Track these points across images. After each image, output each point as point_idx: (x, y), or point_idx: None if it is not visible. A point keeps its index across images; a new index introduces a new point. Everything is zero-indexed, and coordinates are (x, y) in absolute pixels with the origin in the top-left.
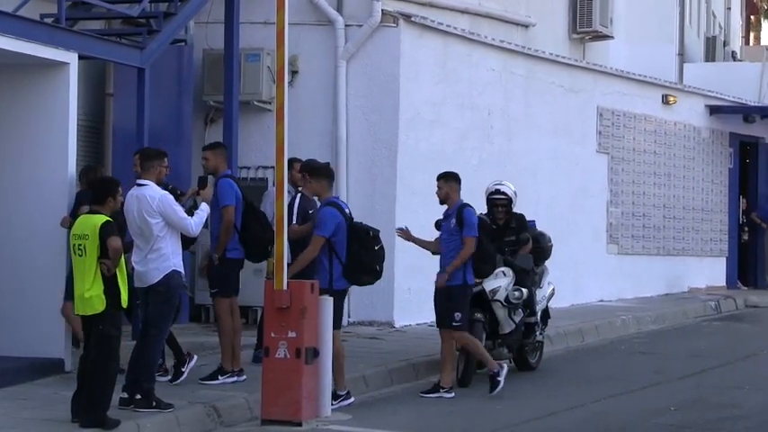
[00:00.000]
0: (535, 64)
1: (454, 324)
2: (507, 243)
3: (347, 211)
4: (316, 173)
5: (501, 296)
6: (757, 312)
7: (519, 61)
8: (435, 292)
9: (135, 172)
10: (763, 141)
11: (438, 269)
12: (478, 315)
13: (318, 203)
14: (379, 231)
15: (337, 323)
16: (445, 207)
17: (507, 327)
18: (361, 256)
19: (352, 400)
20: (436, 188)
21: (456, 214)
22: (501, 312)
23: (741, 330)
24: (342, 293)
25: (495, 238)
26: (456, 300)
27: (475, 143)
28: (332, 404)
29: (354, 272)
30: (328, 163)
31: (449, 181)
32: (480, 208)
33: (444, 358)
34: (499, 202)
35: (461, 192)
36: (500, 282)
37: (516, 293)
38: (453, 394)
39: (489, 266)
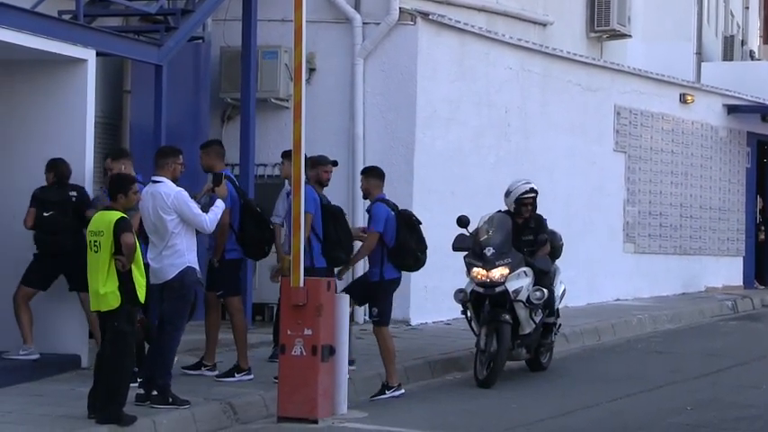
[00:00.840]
0: (552, 62)
1: (373, 319)
2: (525, 242)
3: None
4: (288, 156)
5: (523, 296)
6: None
7: (536, 60)
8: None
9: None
10: None
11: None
12: (506, 316)
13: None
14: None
15: None
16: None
17: (528, 327)
18: (339, 234)
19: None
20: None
21: (369, 209)
22: (523, 313)
23: (757, 330)
24: (322, 272)
25: (515, 237)
26: (373, 295)
27: (492, 141)
28: None
29: (333, 250)
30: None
31: (368, 177)
32: (499, 205)
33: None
34: (527, 200)
35: (478, 189)
36: (522, 282)
37: (537, 294)
38: (403, 391)
39: (409, 260)
